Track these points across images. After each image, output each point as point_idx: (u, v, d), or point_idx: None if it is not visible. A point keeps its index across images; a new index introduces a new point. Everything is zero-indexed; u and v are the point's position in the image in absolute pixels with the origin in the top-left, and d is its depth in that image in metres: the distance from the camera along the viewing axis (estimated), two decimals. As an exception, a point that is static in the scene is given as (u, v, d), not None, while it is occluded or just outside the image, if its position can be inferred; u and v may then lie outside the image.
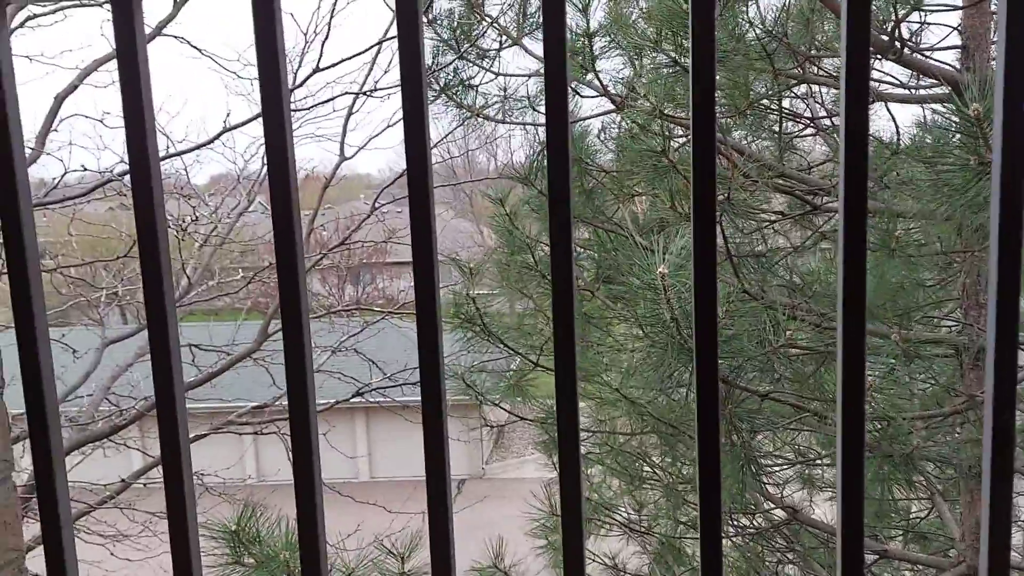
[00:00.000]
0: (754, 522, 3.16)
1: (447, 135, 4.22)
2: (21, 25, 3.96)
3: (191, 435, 0.81)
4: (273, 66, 0.65)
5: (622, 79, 2.96)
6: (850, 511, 0.62)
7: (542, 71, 0.61)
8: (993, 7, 2.40)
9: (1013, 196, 0.57)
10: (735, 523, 3.12)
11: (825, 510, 3.49)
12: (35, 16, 4.00)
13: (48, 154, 4.04)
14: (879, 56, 2.55)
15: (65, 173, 4.12)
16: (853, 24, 0.57)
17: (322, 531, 0.70)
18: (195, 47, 4.23)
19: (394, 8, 0.63)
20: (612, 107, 2.98)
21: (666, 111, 2.51)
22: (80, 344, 4.48)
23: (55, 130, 4.05)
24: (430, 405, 0.67)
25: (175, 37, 4.15)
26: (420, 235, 0.65)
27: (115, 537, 4.35)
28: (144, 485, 4.45)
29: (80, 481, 4.04)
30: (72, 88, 4.03)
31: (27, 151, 0.74)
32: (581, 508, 0.66)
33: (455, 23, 3.08)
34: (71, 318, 5.59)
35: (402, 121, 0.65)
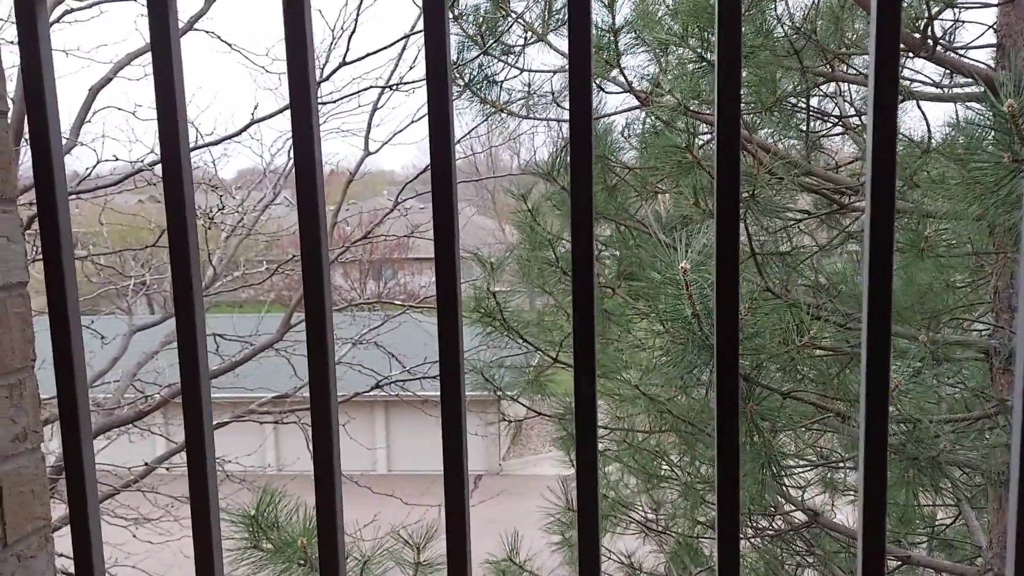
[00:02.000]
0: (774, 524, 3.13)
1: (471, 131, 4.22)
2: (58, 20, 4.06)
3: (214, 422, 0.83)
4: (301, 61, 0.66)
5: (647, 75, 2.93)
6: (872, 512, 0.61)
7: (567, 67, 0.61)
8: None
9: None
10: (754, 524, 3.09)
11: (847, 514, 3.43)
12: (72, 11, 4.10)
13: (82, 144, 4.15)
14: (911, 54, 2.49)
15: (97, 163, 4.22)
16: (883, 21, 0.56)
17: (340, 519, 0.71)
18: (225, 42, 4.30)
19: (420, 4, 0.63)
20: (637, 104, 2.96)
21: (691, 107, 2.48)
22: (108, 331, 4.60)
23: (89, 121, 4.15)
24: (449, 398, 0.68)
25: (206, 32, 4.22)
26: (443, 229, 0.66)
27: (137, 520, 4.46)
28: (167, 470, 4.55)
29: (105, 464, 4.15)
30: (106, 81, 4.13)
31: (62, 142, 0.76)
32: (597, 503, 0.66)
33: (481, 19, 3.08)
34: (100, 305, 5.74)
35: (427, 116, 0.65)
